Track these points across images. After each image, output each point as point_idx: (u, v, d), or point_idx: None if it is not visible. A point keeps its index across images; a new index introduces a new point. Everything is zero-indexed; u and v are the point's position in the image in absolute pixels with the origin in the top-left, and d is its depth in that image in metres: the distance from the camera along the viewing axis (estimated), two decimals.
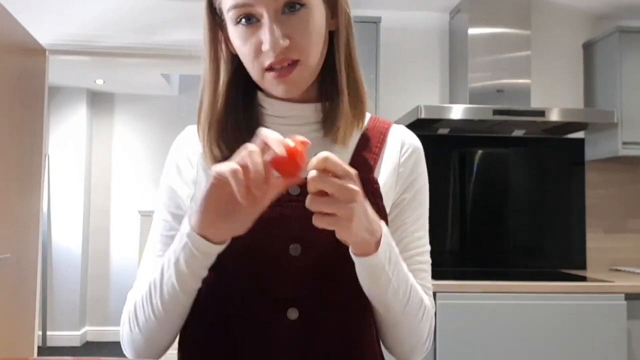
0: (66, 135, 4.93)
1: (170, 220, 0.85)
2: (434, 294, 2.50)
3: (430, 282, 0.90)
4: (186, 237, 0.72)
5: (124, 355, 0.87)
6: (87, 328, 5.05)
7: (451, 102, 2.95)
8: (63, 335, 4.84)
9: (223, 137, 0.82)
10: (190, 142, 0.88)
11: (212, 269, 0.77)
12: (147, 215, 4.38)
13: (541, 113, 2.53)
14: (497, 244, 2.95)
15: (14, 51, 2.64)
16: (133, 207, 5.04)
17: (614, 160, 2.91)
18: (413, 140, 0.91)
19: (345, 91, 0.83)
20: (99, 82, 4.78)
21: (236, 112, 0.83)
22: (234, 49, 0.80)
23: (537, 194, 2.98)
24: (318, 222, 0.66)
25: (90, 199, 5.10)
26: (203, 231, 0.71)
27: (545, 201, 2.98)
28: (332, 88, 0.83)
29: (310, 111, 0.84)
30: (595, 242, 2.98)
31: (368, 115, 0.91)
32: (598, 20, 3.08)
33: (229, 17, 0.76)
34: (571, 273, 2.73)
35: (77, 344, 4.86)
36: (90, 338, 5.03)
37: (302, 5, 0.75)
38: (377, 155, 0.86)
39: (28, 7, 2.88)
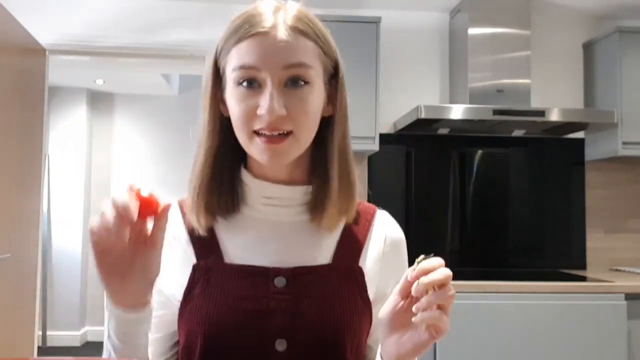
0: (66, 135, 4.93)
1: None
2: None
3: None
4: (107, 311, 0.71)
5: None
6: (87, 328, 5.05)
7: (451, 102, 2.95)
8: (63, 335, 4.84)
9: (209, 206, 0.81)
10: (173, 226, 0.85)
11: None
12: None
13: (541, 113, 2.53)
14: (497, 244, 2.95)
15: (14, 51, 2.64)
16: None
17: (614, 160, 2.91)
18: (396, 231, 0.90)
19: (336, 178, 0.81)
20: (99, 82, 4.78)
21: (221, 183, 0.82)
22: (226, 111, 0.80)
23: (537, 194, 2.98)
24: (425, 336, 0.69)
25: (90, 199, 5.10)
26: (116, 301, 0.69)
27: (545, 201, 2.98)
28: (323, 173, 0.82)
29: (298, 194, 0.83)
30: (595, 242, 2.98)
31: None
32: (598, 20, 3.08)
33: (232, 77, 0.76)
34: (571, 273, 2.73)
35: (77, 344, 4.86)
36: (90, 338, 5.03)
37: (305, 82, 0.75)
38: (363, 243, 0.85)
39: (28, 7, 2.88)
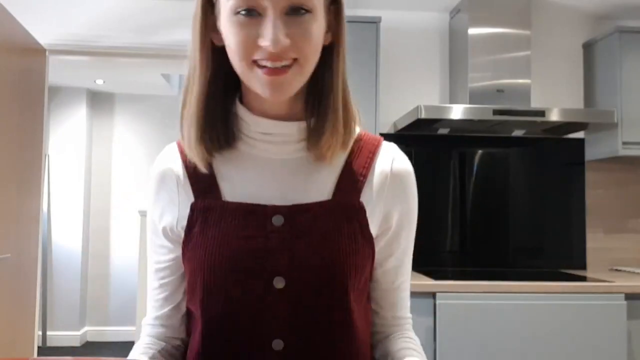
0: (66, 135, 4.93)
1: (159, 256, 0.85)
2: (434, 294, 2.50)
3: (409, 302, 0.91)
4: None
5: (124, 355, 0.87)
6: (87, 328, 5.05)
7: (451, 102, 2.95)
8: (63, 335, 4.84)
9: (203, 139, 0.79)
10: (171, 164, 0.85)
11: (197, 300, 0.78)
12: (147, 215, 4.38)
13: (541, 113, 2.53)
14: (497, 244, 2.95)
15: (14, 51, 2.64)
16: (133, 207, 5.04)
17: (614, 160, 2.91)
18: (403, 162, 0.86)
19: (340, 108, 0.78)
20: (99, 82, 4.78)
21: (214, 115, 0.80)
22: (219, 40, 0.76)
23: (537, 194, 2.98)
24: None
25: (90, 199, 5.10)
26: None
27: (545, 201, 2.98)
28: (323, 105, 0.78)
29: (296, 129, 0.80)
30: (595, 242, 2.98)
31: (357, 130, 0.86)
32: (598, 20, 3.08)
33: (228, 5, 0.71)
34: (571, 273, 2.73)
35: (77, 344, 4.86)
36: (90, 338, 5.03)
37: (307, 10, 0.71)
38: (365, 177, 0.82)
39: (28, 7, 2.88)
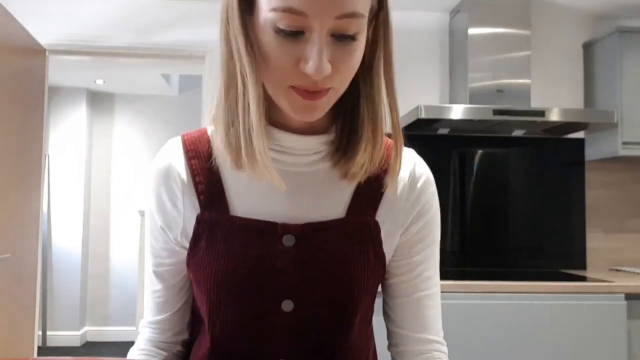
0: (66, 135, 4.93)
1: (160, 259, 0.81)
2: None
3: (440, 324, 0.82)
4: None
5: (124, 355, 0.87)
6: (87, 328, 5.05)
7: (451, 102, 2.95)
8: (63, 335, 4.84)
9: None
10: (174, 163, 0.79)
11: (204, 311, 0.76)
12: (146, 214, 4.38)
13: (541, 113, 2.53)
14: (497, 244, 2.95)
15: (14, 51, 2.64)
16: (133, 207, 5.04)
17: (614, 160, 2.91)
18: (424, 170, 0.82)
19: (370, 125, 0.73)
20: (99, 82, 4.78)
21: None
22: (254, 46, 0.66)
23: (537, 194, 2.98)
24: None
25: (90, 199, 5.10)
26: None
27: (545, 201, 2.97)
28: (351, 120, 0.74)
29: (316, 144, 0.75)
30: (595, 242, 2.98)
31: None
32: (598, 20, 3.08)
33: (269, 16, 0.62)
34: (571, 273, 2.72)
35: (77, 344, 4.86)
36: (90, 338, 5.03)
37: (355, 36, 0.64)
38: (381, 192, 0.77)
39: (28, 7, 2.88)
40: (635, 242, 3.01)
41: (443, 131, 2.86)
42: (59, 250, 4.87)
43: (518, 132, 2.91)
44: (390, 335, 0.84)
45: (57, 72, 4.12)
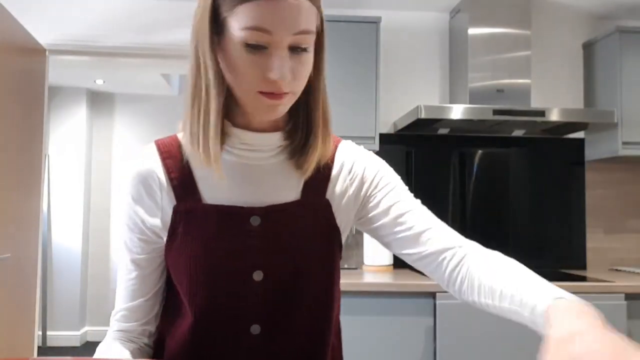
0: (66, 135, 4.93)
1: (139, 248, 0.89)
2: (434, 294, 2.49)
3: (450, 232, 0.94)
4: None
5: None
6: (87, 328, 5.05)
7: (451, 102, 2.95)
8: (63, 335, 4.84)
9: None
10: (153, 166, 0.88)
11: (180, 292, 0.86)
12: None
13: (541, 113, 2.53)
14: (497, 243, 2.93)
15: (14, 51, 2.64)
16: None
17: (614, 160, 2.91)
18: (355, 150, 0.95)
19: (320, 124, 0.87)
20: (99, 82, 4.78)
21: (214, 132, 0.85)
22: (220, 61, 0.80)
23: (537, 194, 2.98)
24: None
25: (90, 199, 5.10)
26: None
27: (545, 201, 2.98)
28: (305, 120, 0.87)
29: (275, 140, 0.88)
30: (595, 242, 2.98)
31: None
32: (598, 20, 3.08)
33: (239, 34, 0.75)
34: (571, 273, 2.73)
35: (77, 344, 4.86)
36: (90, 338, 5.03)
37: (307, 48, 0.78)
38: (328, 176, 0.91)
39: (28, 7, 2.88)
40: (635, 242, 3.01)
41: (443, 131, 2.86)
42: (59, 250, 4.87)
43: (518, 132, 2.91)
44: (418, 265, 0.93)
45: (57, 72, 4.13)
